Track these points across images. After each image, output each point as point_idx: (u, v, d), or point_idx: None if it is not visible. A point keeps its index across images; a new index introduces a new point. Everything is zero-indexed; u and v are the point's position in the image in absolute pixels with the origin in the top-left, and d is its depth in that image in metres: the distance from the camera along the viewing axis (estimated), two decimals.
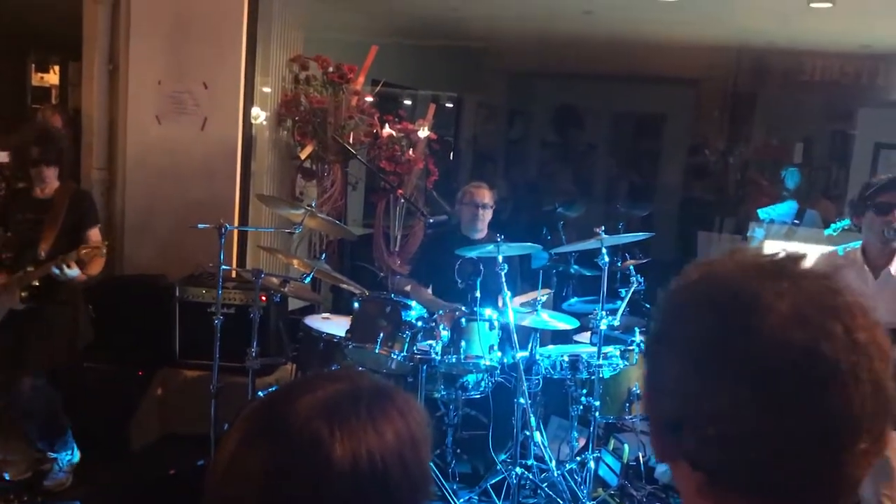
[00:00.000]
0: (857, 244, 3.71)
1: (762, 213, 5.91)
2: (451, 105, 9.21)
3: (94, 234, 4.35)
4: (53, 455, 4.27)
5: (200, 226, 4.19)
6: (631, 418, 4.43)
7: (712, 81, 8.74)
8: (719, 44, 7.86)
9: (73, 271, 4.03)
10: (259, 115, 5.44)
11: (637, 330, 4.35)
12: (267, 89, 5.55)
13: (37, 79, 7.81)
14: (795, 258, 0.87)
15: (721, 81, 8.68)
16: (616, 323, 4.29)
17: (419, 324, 4.08)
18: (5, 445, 4.43)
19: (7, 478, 4.26)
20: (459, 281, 4.40)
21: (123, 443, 4.66)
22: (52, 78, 7.88)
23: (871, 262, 3.63)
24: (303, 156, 5.44)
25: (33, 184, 4.28)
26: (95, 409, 4.61)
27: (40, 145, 4.25)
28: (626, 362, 4.22)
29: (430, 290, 4.76)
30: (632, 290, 4.44)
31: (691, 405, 0.85)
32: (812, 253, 4.07)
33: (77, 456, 4.36)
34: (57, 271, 3.99)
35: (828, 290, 0.84)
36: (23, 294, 4.14)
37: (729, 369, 0.82)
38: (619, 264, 4.77)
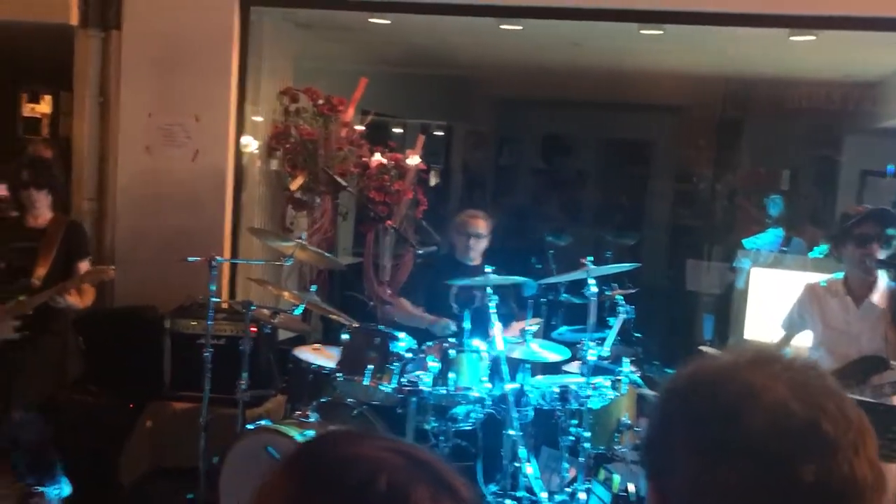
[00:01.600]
0: (840, 275, 3.76)
1: (747, 243, 5.96)
2: (440, 133, 9.28)
3: (84, 266, 4.36)
4: (42, 490, 4.24)
5: (191, 259, 4.21)
6: (621, 448, 4.44)
7: (699, 109, 8.84)
8: (705, 72, 7.95)
9: (73, 300, 4.04)
10: (250, 143, 5.48)
11: (625, 360, 4.38)
12: (258, 118, 5.60)
13: (27, 109, 7.84)
14: (777, 351, 0.95)
15: (708, 109, 8.77)
16: (605, 353, 4.32)
17: (408, 355, 4.10)
18: None
19: None
20: (455, 307, 4.43)
21: (113, 476, 4.64)
22: (44, 107, 7.91)
23: (854, 293, 3.67)
24: (293, 187, 5.47)
25: (26, 211, 4.29)
26: (84, 442, 4.58)
27: (30, 168, 4.28)
28: (615, 392, 4.24)
29: (421, 310, 4.77)
30: (621, 319, 4.47)
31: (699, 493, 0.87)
32: (796, 282, 4.12)
33: (67, 490, 4.33)
34: (59, 300, 4.00)
35: (815, 373, 0.90)
36: (15, 324, 4.14)
37: (732, 449, 0.85)
38: (607, 293, 4.80)
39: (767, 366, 0.90)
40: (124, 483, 4.67)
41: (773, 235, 6.20)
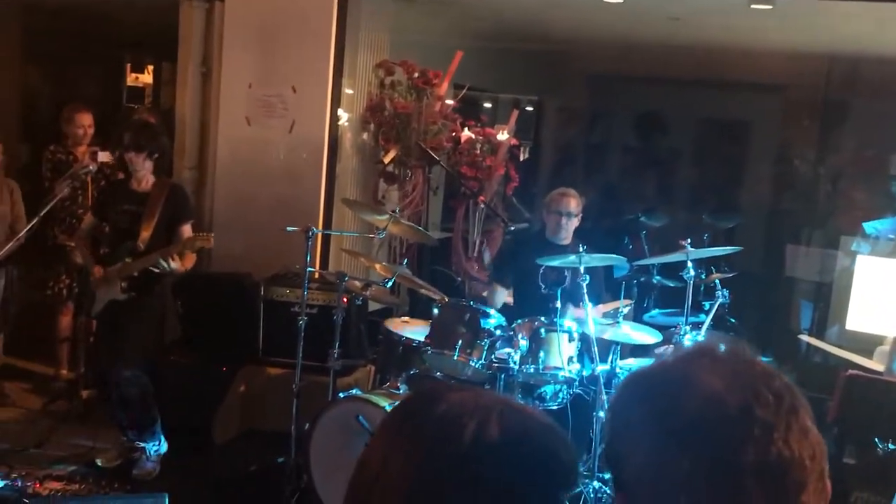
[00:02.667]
0: None
1: (868, 227, 5.66)
2: (531, 109, 9.17)
3: (187, 229, 4.48)
4: (142, 445, 4.42)
5: (289, 229, 4.29)
6: None
7: (802, 89, 8.48)
8: (810, 50, 7.61)
9: (175, 264, 4.17)
10: (343, 116, 5.53)
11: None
12: (351, 91, 5.64)
13: (132, 79, 8.10)
14: (710, 344, 1.01)
15: (811, 89, 8.40)
16: (700, 338, 4.21)
17: (498, 332, 4.09)
18: (97, 433, 4.62)
19: (99, 464, 4.43)
20: (543, 286, 4.39)
21: (207, 437, 4.80)
22: (147, 78, 8.16)
23: None
24: (386, 160, 5.51)
25: (130, 175, 4.43)
26: (180, 402, 4.75)
27: (133, 132, 4.41)
28: None
29: (509, 294, 4.73)
30: (717, 304, 4.35)
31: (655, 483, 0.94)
32: None
33: (164, 447, 4.51)
34: (164, 264, 4.13)
35: (745, 360, 0.98)
36: (123, 285, 4.31)
37: (678, 439, 0.93)
38: (703, 277, 4.68)
39: (701, 359, 0.97)
40: (217, 443, 4.83)
41: (894, 222, 5.87)
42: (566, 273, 4.21)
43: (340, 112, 5.50)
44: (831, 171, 7.91)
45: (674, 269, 4.58)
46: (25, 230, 3.92)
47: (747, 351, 1.01)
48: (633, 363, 4.32)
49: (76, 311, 5.32)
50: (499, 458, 0.92)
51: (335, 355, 4.28)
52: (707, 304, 4.38)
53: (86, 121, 5.40)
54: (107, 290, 4.37)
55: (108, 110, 7.35)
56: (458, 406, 0.96)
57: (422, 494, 0.92)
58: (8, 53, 7.43)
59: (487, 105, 8.32)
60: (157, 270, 4.21)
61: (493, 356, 4.04)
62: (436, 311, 4.27)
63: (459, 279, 5.69)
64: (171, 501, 3.50)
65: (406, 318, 4.86)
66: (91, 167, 4.41)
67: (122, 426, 4.45)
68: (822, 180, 7.93)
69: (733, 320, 5.35)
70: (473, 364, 4.05)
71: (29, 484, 3.99)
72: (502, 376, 4.00)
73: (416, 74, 5.53)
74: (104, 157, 4.92)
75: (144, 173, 4.41)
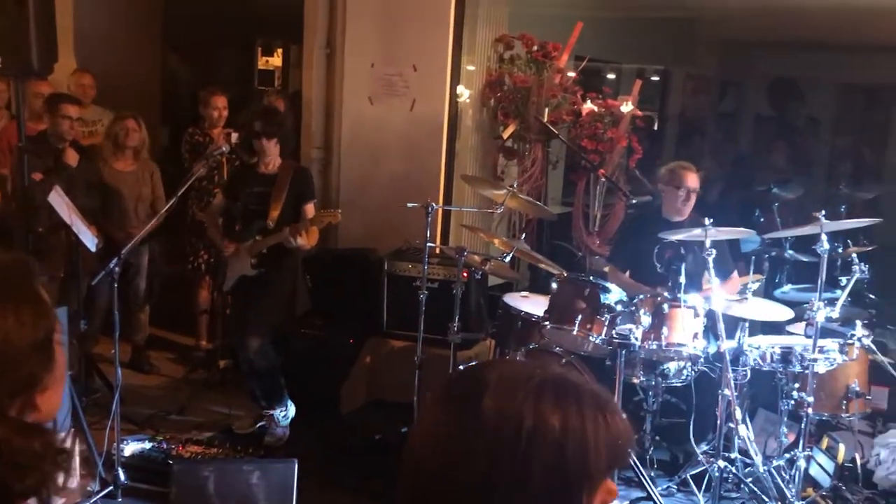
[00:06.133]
0: None
1: None
2: (657, 78, 8.90)
3: (311, 208, 4.64)
4: (270, 412, 4.64)
5: (410, 205, 4.37)
6: (848, 417, 4.14)
7: None
8: None
9: (302, 240, 4.34)
10: (463, 93, 5.55)
11: (857, 323, 4.04)
12: (472, 68, 5.65)
13: (262, 62, 8.38)
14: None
15: None
16: (835, 315, 4.00)
17: (619, 307, 4.03)
18: (233, 401, 4.88)
19: (234, 430, 4.69)
20: (658, 266, 4.27)
21: (334, 406, 4.98)
22: (276, 61, 8.43)
23: None
24: (505, 135, 5.50)
25: (258, 158, 4.63)
26: (309, 372, 4.95)
27: (262, 119, 4.59)
28: (844, 357, 3.94)
29: (627, 275, 4.63)
30: (853, 279, 4.12)
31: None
32: None
33: (293, 411, 4.71)
34: (291, 240, 4.31)
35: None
36: (253, 261, 4.52)
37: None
38: (840, 251, 4.44)
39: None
40: (344, 412, 5.01)
41: None
42: (684, 250, 4.06)
43: (460, 89, 5.53)
44: None
45: (807, 243, 4.36)
46: (165, 209, 4.16)
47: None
48: (762, 341, 4.16)
49: (213, 285, 5.60)
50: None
51: (455, 328, 4.34)
52: (843, 280, 4.15)
53: (220, 103, 5.66)
54: (238, 266, 4.59)
55: (242, 93, 7.65)
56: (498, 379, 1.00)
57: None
58: (150, 38, 7.86)
59: (610, 76, 8.13)
60: (287, 246, 4.39)
61: (613, 332, 3.98)
62: (554, 285, 4.25)
63: (580, 254, 5.63)
64: (301, 467, 3.67)
65: (526, 293, 4.87)
66: (225, 148, 4.61)
67: (255, 394, 4.68)
68: None
69: (873, 296, 5.05)
70: (593, 339, 4.01)
71: (173, 447, 4.26)
72: (623, 352, 3.94)
73: (536, 48, 5.47)
74: (237, 138, 5.15)
75: (272, 157, 4.60)
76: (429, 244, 4.44)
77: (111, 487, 3.85)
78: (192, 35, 8.03)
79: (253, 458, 4.12)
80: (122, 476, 3.87)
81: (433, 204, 4.39)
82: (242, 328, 4.56)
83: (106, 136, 5.34)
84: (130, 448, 4.17)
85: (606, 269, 4.87)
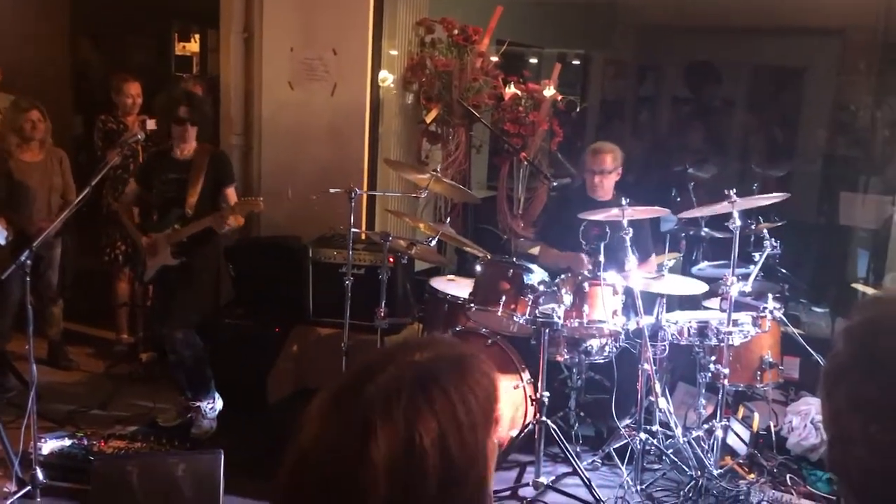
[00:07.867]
0: None
1: None
2: (577, 62, 9.02)
3: (231, 192, 4.57)
4: (197, 404, 4.57)
5: (332, 190, 4.34)
6: (763, 387, 4.31)
7: (858, 32, 8.15)
8: None
9: (234, 222, 4.28)
10: (387, 77, 5.53)
11: (770, 297, 4.20)
12: (394, 52, 5.62)
13: (179, 48, 8.19)
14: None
15: (868, 32, 8.06)
16: (748, 289, 4.15)
17: (541, 287, 4.10)
18: (157, 394, 4.78)
19: (160, 423, 4.60)
20: (584, 243, 4.36)
21: (261, 396, 4.93)
22: (194, 46, 8.24)
23: None
24: (428, 119, 5.50)
25: (174, 144, 4.52)
26: (235, 362, 4.89)
27: (188, 104, 4.48)
28: (757, 329, 4.09)
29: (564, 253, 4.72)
30: (765, 254, 4.27)
31: None
32: None
33: (220, 404, 4.65)
34: (223, 226, 4.25)
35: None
36: (173, 250, 4.43)
37: None
38: (752, 227, 4.60)
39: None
40: (271, 402, 4.96)
41: None
42: (607, 229, 4.16)
43: (383, 73, 5.50)
44: (888, 116, 7.62)
45: (722, 221, 4.50)
46: (78, 200, 4.02)
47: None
48: (680, 316, 4.29)
49: (133, 277, 5.47)
50: None
51: (382, 314, 4.34)
52: (756, 255, 4.29)
53: (133, 90, 5.51)
54: (157, 257, 4.49)
55: (159, 79, 7.46)
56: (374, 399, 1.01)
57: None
58: (58, 26, 7.59)
59: (532, 60, 8.20)
60: (220, 231, 4.33)
61: (537, 311, 4.05)
62: (479, 268, 4.29)
63: (505, 237, 5.69)
64: (228, 458, 3.63)
65: (452, 277, 4.91)
66: (140, 135, 4.49)
67: (180, 386, 4.60)
68: (878, 126, 7.64)
69: (784, 271, 5.25)
70: (518, 319, 4.07)
71: (94, 443, 4.15)
72: (546, 331, 4.01)
73: (456, 31, 5.48)
74: (152, 125, 5.02)
75: (190, 142, 4.50)
76: (354, 230, 4.42)
77: (29, 487, 3.74)
78: (105, 21, 7.80)
79: (179, 451, 4.05)
80: (40, 475, 3.76)
81: (357, 189, 4.38)
82: (166, 320, 4.47)
83: (10, 128, 5.10)
84: (49, 446, 4.05)
85: (537, 248, 4.94)
